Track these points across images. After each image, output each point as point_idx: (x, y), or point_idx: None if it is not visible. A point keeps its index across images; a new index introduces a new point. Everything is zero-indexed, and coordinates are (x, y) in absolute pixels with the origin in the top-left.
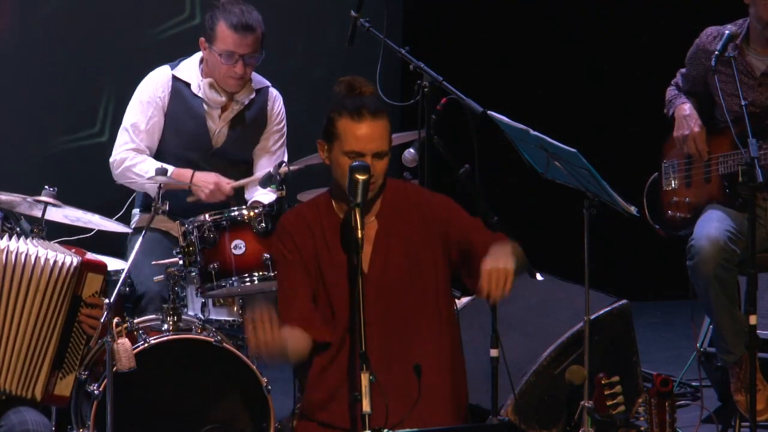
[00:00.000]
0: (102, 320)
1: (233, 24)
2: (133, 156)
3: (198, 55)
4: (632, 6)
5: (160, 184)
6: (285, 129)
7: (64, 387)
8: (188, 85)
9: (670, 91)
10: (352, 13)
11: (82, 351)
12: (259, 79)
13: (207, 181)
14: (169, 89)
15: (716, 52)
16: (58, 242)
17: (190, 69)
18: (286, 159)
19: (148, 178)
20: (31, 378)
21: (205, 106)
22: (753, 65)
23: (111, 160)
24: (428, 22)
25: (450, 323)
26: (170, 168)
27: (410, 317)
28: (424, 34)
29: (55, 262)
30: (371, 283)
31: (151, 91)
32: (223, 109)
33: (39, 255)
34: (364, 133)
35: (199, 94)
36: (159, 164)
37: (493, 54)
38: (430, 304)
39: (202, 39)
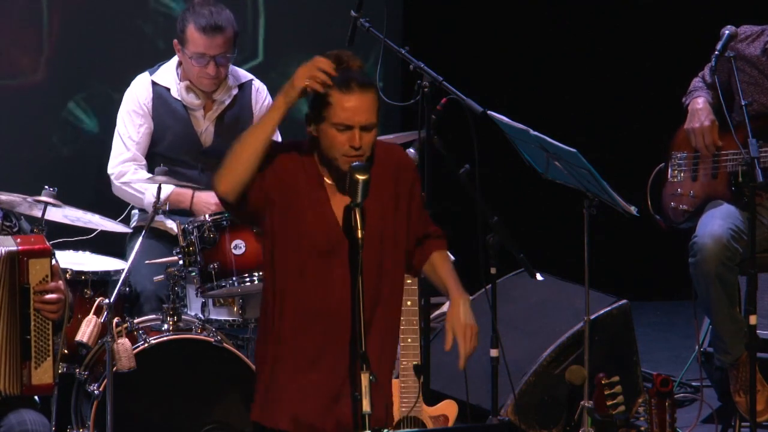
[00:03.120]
0: (66, 301)
1: (202, 26)
2: (134, 170)
3: (176, 59)
4: (632, 6)
5: (159, 184)
6: None
7: (43, 374)
8: (168, 89)
9: (695, 83)
10: (352, 13)
11: (49, 336)
12: (241, 74)
13: (208, 204)
14: (151, 95)
15: (716, 52)
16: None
17: (168, 73)
18: None
19: (148, 179)
20: (11, 374)
21: (187, 108)
22: None
23: (110, 171)
24: (428, 22)
25: (399, 292)
26: (171, 187)
27: (378, 284)
28: (424, 34)
29: None
30: (345, 250)
31: (135, 100)
32: (206, 109)
33: None
34: (352, 105)
35: (178, 98)
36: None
37: (493, 54)
38: (391, 272)
39: (175, 41)
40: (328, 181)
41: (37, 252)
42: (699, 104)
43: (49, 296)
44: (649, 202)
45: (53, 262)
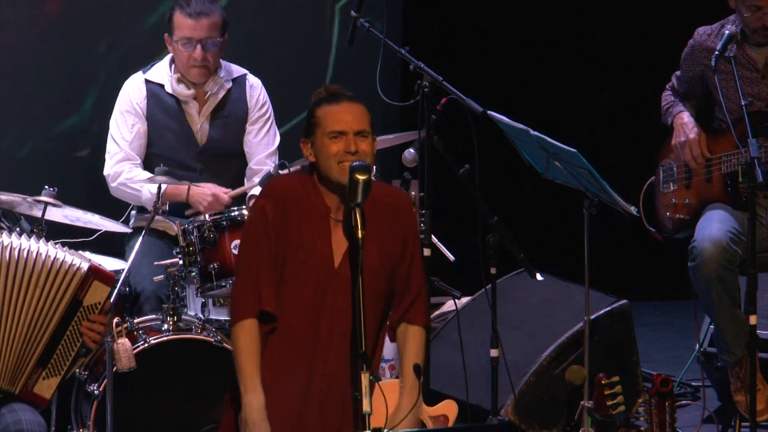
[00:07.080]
0: (105, 337)
1: (187, 11)
2: (129, 169)
3: (169, 56)
4: (631, 7)
5: (159, 185)
6: (270, 114)
7: (45, 388)
8: (162, 86)
9: (666, 97)
10: (352, 13)
11: (71, 356)
12: (234, 69)
13: (204, 194)
14: (145, 93)
15: (716, 52)
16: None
17: (161, 70)
18: (278, 142)
19: (148, 179)
20: (19, 373)
21: (181, 104)
22: (754, 58)
23: (106, 173)
24: (428, 22)
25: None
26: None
27: (370, 314)
28: (424, 34)
29: (63, 261)
30: (341, 278)
31: (128, 100)
32: (200, 103)
33: (49, 253)
34: (344, 112)
35: (172, 92)
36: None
37: (493, 54)
38: (383, 305)
39: (165, 35)
40: (333, 215)
41: (104, 276)
42: (684, 119)
43: (95, 325)
44: (643, 216)
45: (109, 299)
